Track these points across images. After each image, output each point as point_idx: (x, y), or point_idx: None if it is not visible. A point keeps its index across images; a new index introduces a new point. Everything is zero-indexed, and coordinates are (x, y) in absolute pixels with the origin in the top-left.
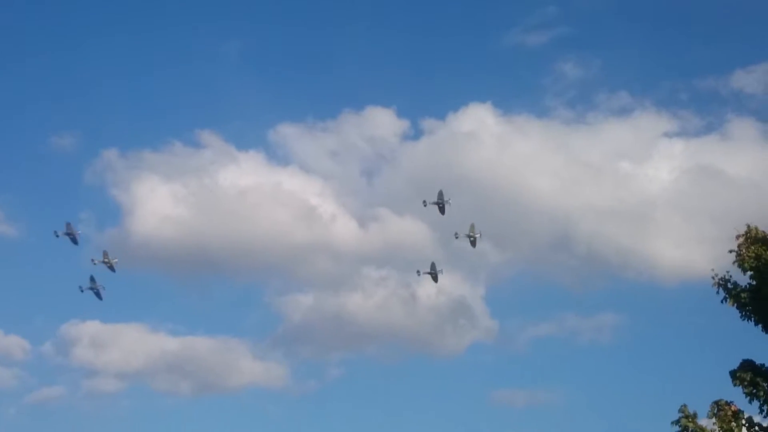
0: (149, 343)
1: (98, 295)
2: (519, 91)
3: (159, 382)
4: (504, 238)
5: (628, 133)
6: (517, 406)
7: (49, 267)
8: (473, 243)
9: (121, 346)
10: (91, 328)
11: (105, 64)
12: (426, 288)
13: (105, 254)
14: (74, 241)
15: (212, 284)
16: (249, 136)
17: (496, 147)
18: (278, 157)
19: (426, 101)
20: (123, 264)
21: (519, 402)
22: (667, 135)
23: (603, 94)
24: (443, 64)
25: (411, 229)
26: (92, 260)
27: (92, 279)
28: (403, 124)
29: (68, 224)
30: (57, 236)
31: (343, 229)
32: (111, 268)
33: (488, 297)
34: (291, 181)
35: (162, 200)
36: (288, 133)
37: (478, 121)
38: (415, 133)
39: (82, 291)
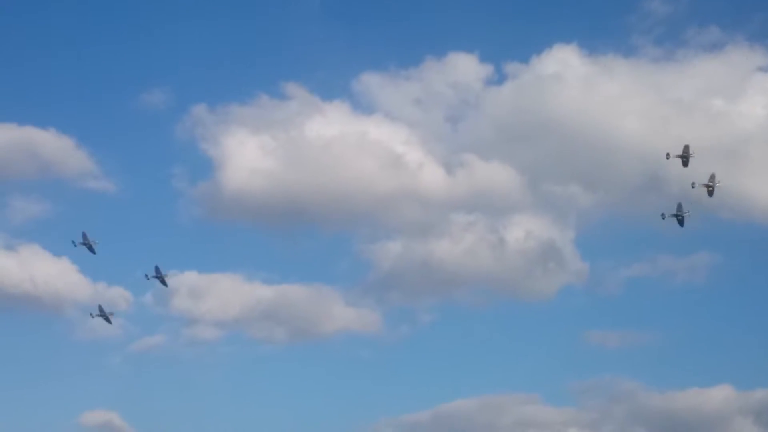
0: (244, 291)
1: (681, 222)
2: (604, 30)
3: (255, 330)
4: (593, 180)
5: (719, 68)
6: (610, 347)
7: (145, 220)
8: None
9: (218, 295)
10: (189, 278)
11: (190, 21)
12: (514, 232)
13: (711, 175)
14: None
15: (302, 234)
16: (333, 86)
17: (582, 88)
18: (363, 106)
19: (509, 45)
20: (216, 217)
21: (612, 343)
22: (762, 69)
23: (692, 30)
24: (525, 5)
25: (498, 174)
26: (692, 184)
27: (663, 215)
28: (487, 69)
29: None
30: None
31: (430, 175)
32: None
33: (578, 240)
34: (376, 130)
35: (251, 153)
36: (371, 81)
37: (563, 63)
38: (499, 78)
39: (664, 217)
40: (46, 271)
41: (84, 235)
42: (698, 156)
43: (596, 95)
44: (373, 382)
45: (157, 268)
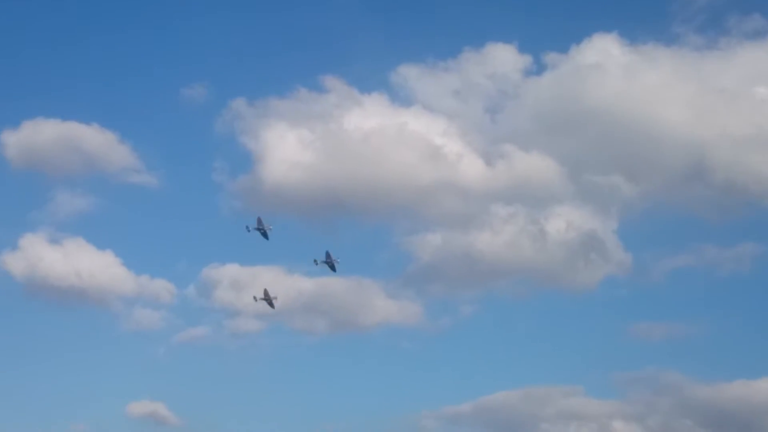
0: (286, 284)
1: None
2: (645, 18)
3: (296, 321)
4: (636, 170)
5: (762, 56)
6: (655, 339)
7: (188, 214)
8: None
9: (260, 287)
10: (231, 270)
11: (228, 16)
12: (555, 223)
13: None
14: (265, 235)
15: (342, 226)
16: (371, 78)
17: (623, 78)
18: (401, 98)
19: (548, 35)
20: (257, 209)
21: (657, 335)
22: None
23: (735, 18)
24: None
25: (538, 165)
26: None
27: None
28: (525, 60)
29: (259, 219)
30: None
31: (470, 167)
32: None
33: (621, 230)
34: (415, 122)
35: (290, 146)
36: (409, 73)
37: (603, 53)
38: (538, 68)
39: None
40: (90, 265)
41: (259, 220)
42: (743, 145)
43: (638, 85)
44: (415, 374)
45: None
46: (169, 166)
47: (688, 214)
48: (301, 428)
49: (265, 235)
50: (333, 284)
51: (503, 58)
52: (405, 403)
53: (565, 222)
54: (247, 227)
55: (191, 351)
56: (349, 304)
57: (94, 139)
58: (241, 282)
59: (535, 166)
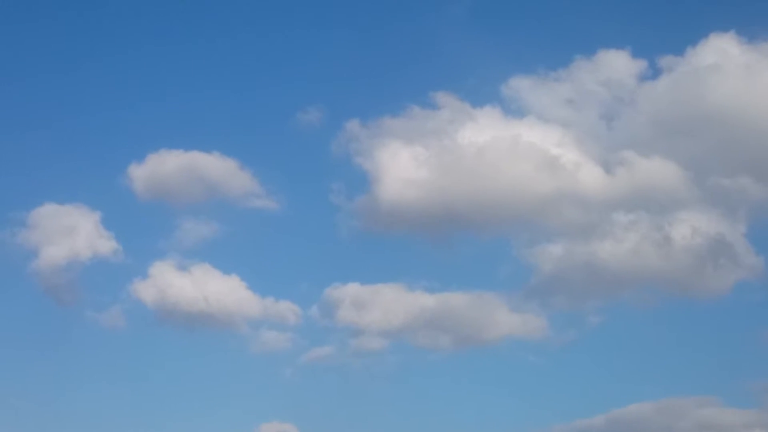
0: (407, 301)
1: None
2: (763, 15)
3: (419, 338)
4: (763, 171)
5: None
6: None
7: (308, 236)
8: None
9: (381, 305)
10: (352, 290)
11: (336, 36)
12: (680, 230)
13: None
14: None
15: (460, 241)
16: (483, 92)
17: (743, 78)
18: (513, 110)
19: (661, 38)
20: (375, 229)
21: None
22: None
23: None
24: None
25: (660, 170)
26: None
27: None
28: (640, 65)
29: None
30: None
31: (589, 176)
32: None
33: (750, 234)
34: (529, 133)
35: (405, 164)
36: (521, 85)
37: (721, 53)
38: (654, 73)
39: None
40: (217, 289)
41: None
42: None
43: (760, 83)
44: (543, 387)
45: None
46: (288, 190)
47: None
48: None
49: None
50: (454, 300)
51: (616, 64)
52: (534, 417)
53: (691, 227)
54: None
55: (317, 371)
56: (471, 320)
57: (216, 167)
58: (363, 300)
59: (656, 171)
